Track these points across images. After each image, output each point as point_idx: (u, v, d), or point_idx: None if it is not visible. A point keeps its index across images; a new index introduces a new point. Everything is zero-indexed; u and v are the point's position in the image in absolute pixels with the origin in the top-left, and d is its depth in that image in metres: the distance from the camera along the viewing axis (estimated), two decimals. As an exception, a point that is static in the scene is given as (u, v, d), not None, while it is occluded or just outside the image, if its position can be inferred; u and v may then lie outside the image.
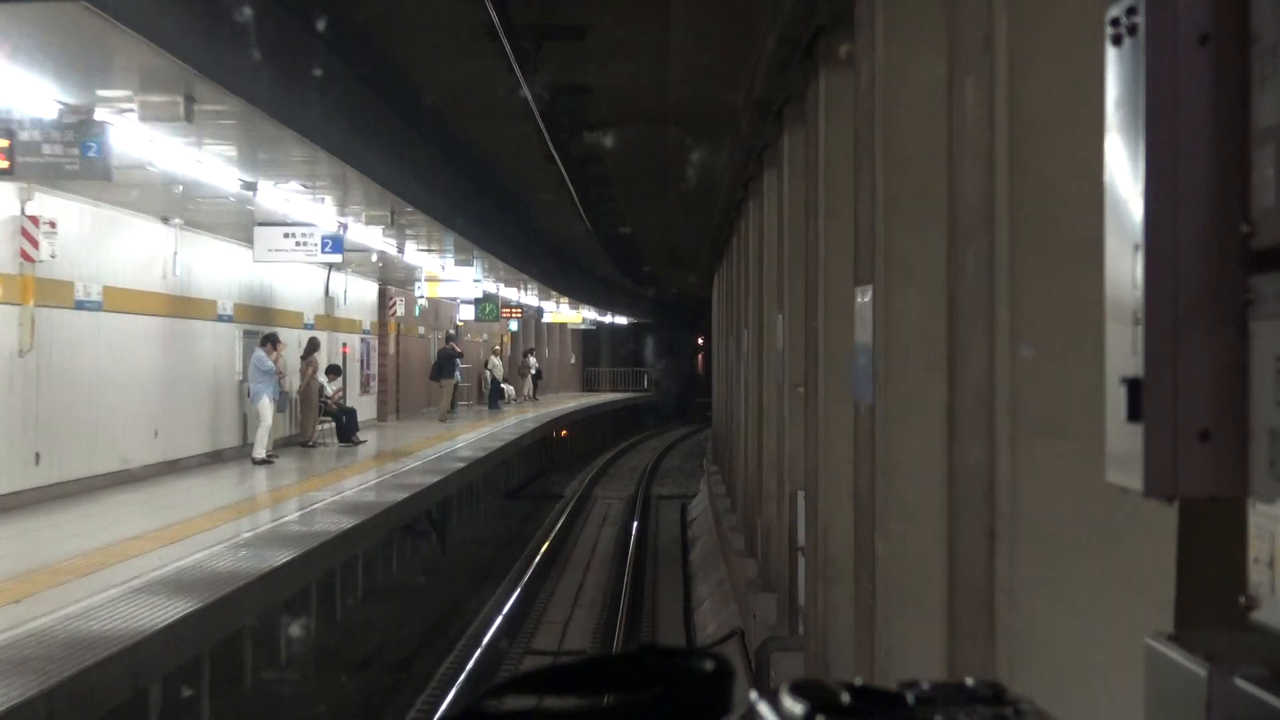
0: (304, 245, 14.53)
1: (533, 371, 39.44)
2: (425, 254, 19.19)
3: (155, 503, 12.06)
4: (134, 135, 8.74)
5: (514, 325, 39.99)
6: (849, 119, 5.66)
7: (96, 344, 12.94)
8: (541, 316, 42.54)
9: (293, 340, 18.85)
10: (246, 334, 17.34)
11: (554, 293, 34.09)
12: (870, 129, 4.64)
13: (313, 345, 18.95)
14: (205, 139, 9.44)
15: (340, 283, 22.02)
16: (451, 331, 33.38)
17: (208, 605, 7.25)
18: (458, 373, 30.03)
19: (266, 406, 16.12)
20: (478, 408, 34.42)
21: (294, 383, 18.74)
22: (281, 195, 12.46)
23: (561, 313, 43.53)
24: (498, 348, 36.05)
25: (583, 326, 50.12)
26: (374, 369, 25.60)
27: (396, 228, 15.77)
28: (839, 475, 5.70)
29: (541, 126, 12.31)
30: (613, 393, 51.40)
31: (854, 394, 4.96)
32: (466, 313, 30.69)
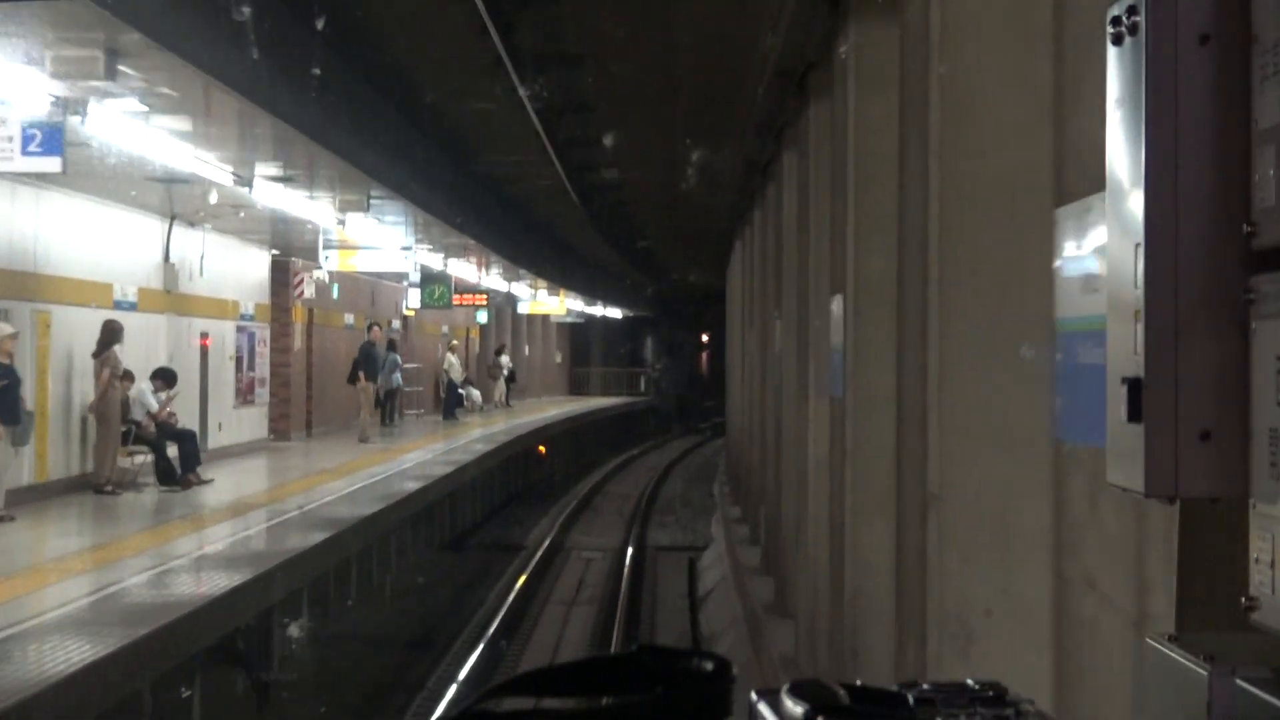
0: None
1: (505, 373, 42.65)
2: (278, 186, 17.48)
3: None
4: None
5: (483, 316, 43.31)
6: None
7: None
8: (516, 306, 45.52)
9: (89, 327, 17.96)
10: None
11: (523, 271, 34.99)
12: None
13: (110, 334, 18.01)
14: None
15: (192, 244, 22.17)
16: (396, 324, 35.15)
17: None
18: (397, 375, 32.08)
19: None
20: (432, 418, 36.78)
21: (86, 392, 17.90)
22: None
23: (542, 301, 46.30)
24: (455, 343, 38.52)
25: (569, 319, 54.69)
26: (263, 371, 26.25)
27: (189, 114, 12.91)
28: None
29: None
30: (604, 397, 56.77)
31: None
32: (417, 299, 32.30)
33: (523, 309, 46.75)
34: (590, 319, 58.63)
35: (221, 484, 19.50)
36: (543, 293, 44.81)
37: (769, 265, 16.45)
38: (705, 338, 67.70)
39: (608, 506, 31.54)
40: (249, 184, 16.78)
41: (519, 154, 21.13)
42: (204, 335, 23.07)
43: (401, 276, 32.56)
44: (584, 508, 30.82)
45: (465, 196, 23.33)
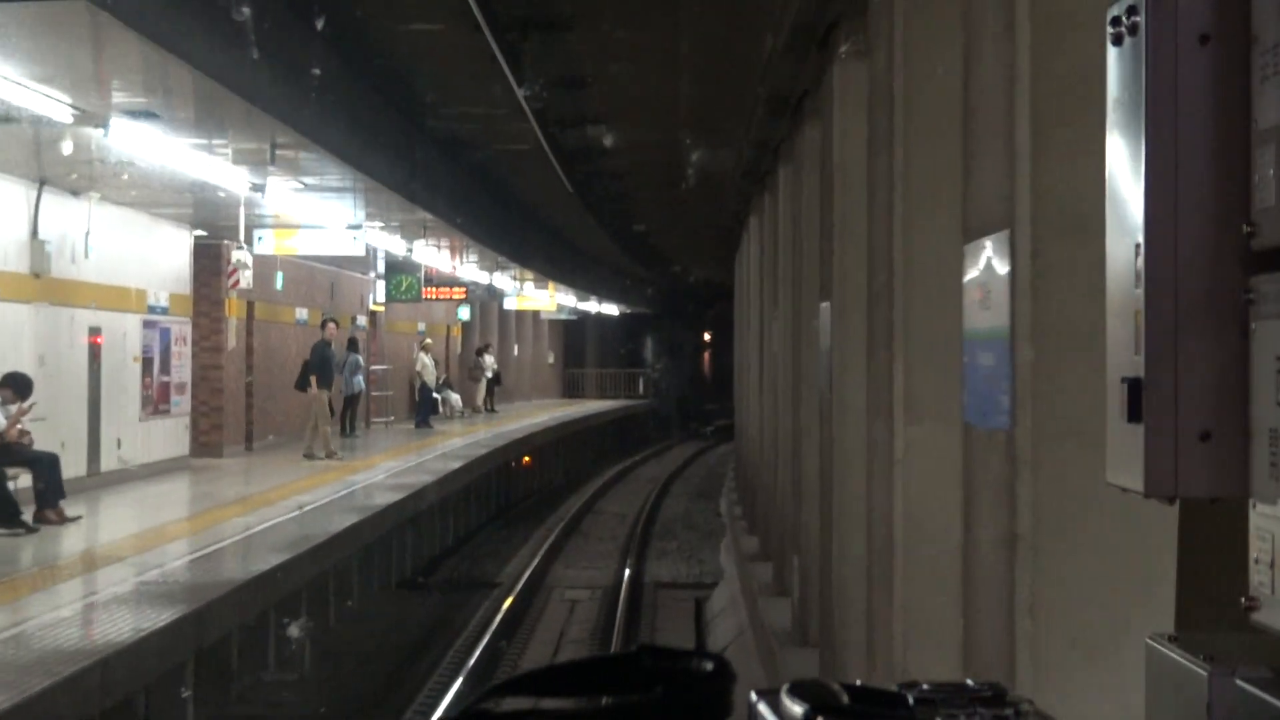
0: None
1: (488, 375, 46.70)
2: (144, 127, 15.90)
3: None
4: None
5: (465, 312, 47.14)
6: None
7: None
8: (502, 302, 49.80)
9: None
10: None
11: (502, 259, 36.47)
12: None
13: None
14: None
15: (75, 218, 22.09)
16: (362, 321, 37.15)
17: None
18: (359, 378, 33.68)
19: None
20: (403, 426, 39.55)
21: None
22: None
23: (529, 296, 50.41)
24: (429, 341, 41.62)
25: (562, 317, 61.28)
26: (183, 374, 26.75)
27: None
28: None
29: None
30: (600, 400, 64.17)
31: None
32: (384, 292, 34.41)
33: (509, 304, 50.37)
34: (585, 316, 64.65)
35: (93, 522, 18.90)
36: (530, 286, 48.01)
37: (805, 226, 15.00)
38: (708, 336, 77.68)
39: (599, 529, 32.90)
40: (103, 123, 15.42)
41: (483, 104, 21.27)
42: (95, 332, 23.25)
43: (366, 266, 34.21)
44: (572, 530, 32.24)
45: (424, 163, 23.31)
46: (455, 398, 44.46)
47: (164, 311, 25.86)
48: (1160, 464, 2.74)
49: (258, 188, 20.20)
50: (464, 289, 40.54)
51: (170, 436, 26.23)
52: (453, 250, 33.39)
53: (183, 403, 26.76)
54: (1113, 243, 2.88)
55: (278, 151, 18.09)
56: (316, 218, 24.56)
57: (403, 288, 34.83)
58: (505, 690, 2.15)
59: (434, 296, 39.59)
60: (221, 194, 21.28)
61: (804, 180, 15.35)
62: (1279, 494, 2.64)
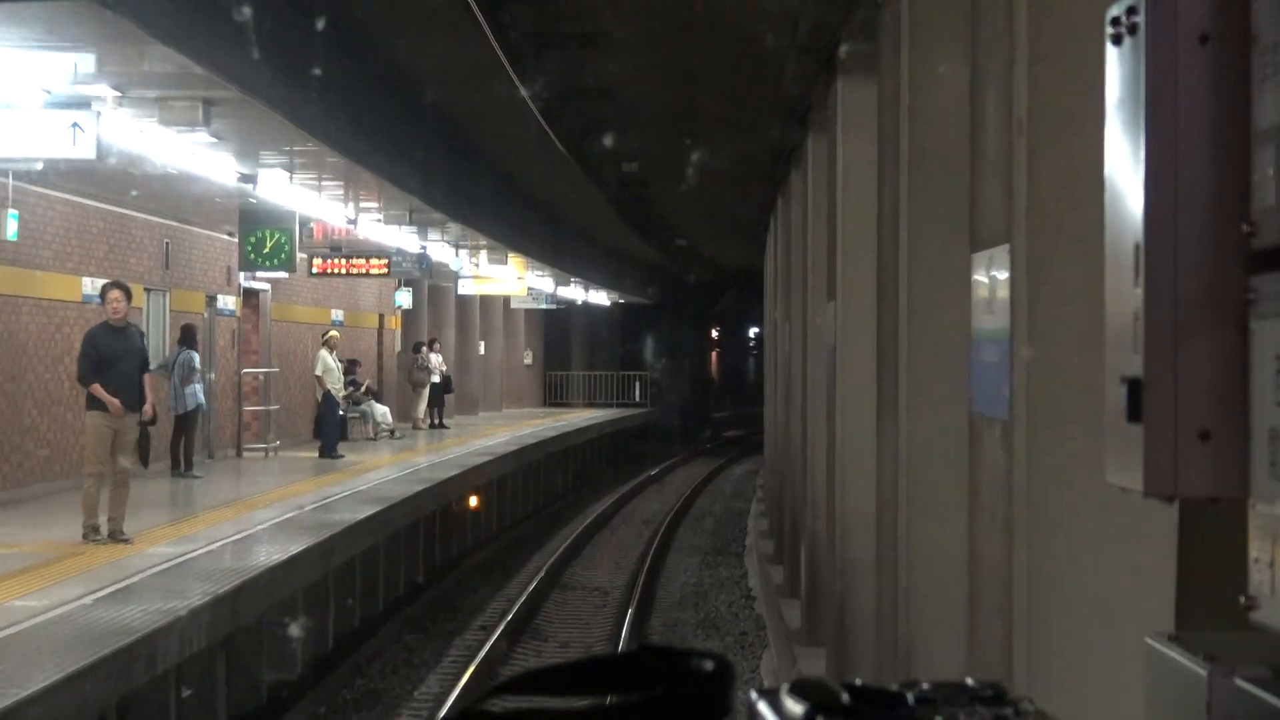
0: None
1: (434, 378, 44.03)
2: None
3: None
4: None
5: (404, 298, 43.64)
6: None
7: None
8: (457, 284, 47.76)
9: None
10: None
11: (416, 201, 29.31)
12: None
13: None
14: None
15: None
16: (228, 304, 32.57)
17: None
18: (196, 387, 27.81)
19: None
20: (298, 454, 34.73)
21: None
22: None
23: (491, 276, 47.06)
24: (334, 334, 36.56)
25: (542, 307, 59.73)
26: None
27: None
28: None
29: None
30: (588, 409, 63.73)
31: None
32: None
33: (466, 289, 47.94)
34: (570, 307, 65.09)
35: None
36: (485, 260, 44.62)
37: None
38: (716, 332, 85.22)
39: (565, 629, 27.17)
40: None
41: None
42: None
43: (235, 220, 28.54)
44: (522, 630, 25.99)
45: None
46: (381, 411, 41.55)
47: None
48: (1160, 464, 3.44)
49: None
50: (384, 261, 36.27)
51: None
52: (346, 190, 26.63)
53: None
54: (1113, 243, 3.59)
55: None
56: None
57: (265, 250, 29.09)
58: (505, 690, 2.61)
59: (340, 270, 35.10)
60: None
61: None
62: (1278, 494, 3.35)
